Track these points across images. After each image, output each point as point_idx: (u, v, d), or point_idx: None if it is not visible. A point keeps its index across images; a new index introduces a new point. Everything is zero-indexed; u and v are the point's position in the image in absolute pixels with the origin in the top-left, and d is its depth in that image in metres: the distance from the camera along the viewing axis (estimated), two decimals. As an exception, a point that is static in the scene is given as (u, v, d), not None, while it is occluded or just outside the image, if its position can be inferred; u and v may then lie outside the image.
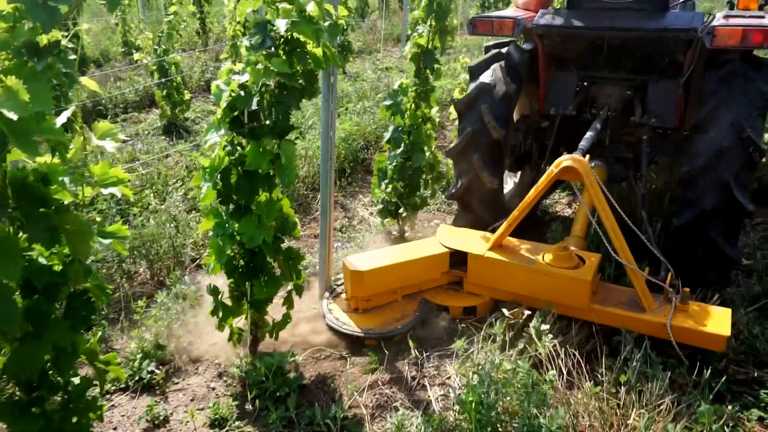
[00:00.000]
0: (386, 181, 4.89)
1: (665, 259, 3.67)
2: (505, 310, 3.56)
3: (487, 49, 4.82)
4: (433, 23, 4.41)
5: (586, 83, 4.72)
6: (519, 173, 5.45)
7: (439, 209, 5.83)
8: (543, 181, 3.62)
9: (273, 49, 2.87)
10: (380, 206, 5.00)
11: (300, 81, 3.08)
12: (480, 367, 3.23)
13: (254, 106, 2.86)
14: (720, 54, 4.00)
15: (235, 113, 2.94)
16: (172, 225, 4.54)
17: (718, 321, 3.33)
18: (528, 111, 5.15)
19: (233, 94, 2.88)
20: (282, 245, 3.28)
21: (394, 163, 4.80)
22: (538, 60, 4.68)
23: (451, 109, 6.02)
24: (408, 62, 4.58)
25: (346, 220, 5.63)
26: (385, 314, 3.83)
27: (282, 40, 2.91)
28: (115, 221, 4.54)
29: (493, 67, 4.48)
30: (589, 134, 4.07)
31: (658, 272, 3.73)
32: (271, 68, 2.77)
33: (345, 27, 3.05)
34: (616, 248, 3.48)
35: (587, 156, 3.75)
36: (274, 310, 3.46)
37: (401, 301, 3.95)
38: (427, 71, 4.52)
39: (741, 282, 4.47)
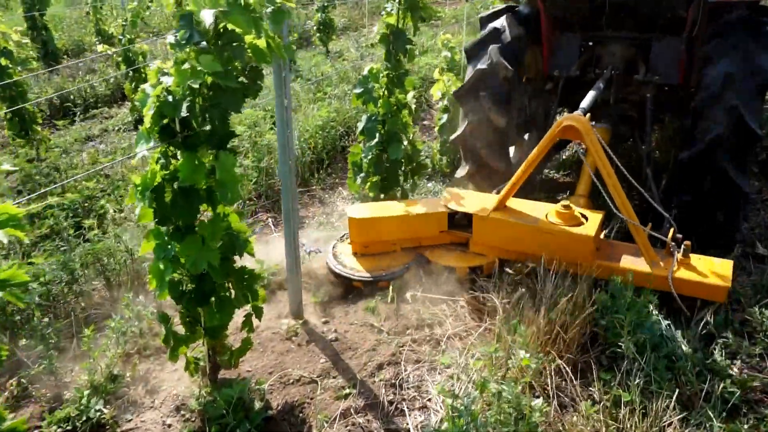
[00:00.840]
0: (362, 175, 4.49)
1: (669, 214, 3.69)
2: (507, 269, 3.67)
3: (482, 21, 4.75)
4: (403, 0, 3.96)
5: (589, 44, 4.66)
6: (526, 136, 5.29)
7: (424, 200, 5.44)
8: (544, 141, 3.64)
9: (203, 44, 2.46)
10: (358, 202, 4.61)
11: (241, 79, 2.67)
12: (464, 389, 2.91)
13: (184, 113, 2.45)
14: (723, 9, 3.97)
15: (165, 121, 2.54)
16: (128, 236, 4.15)
17: (719, 272, 3.37)
18: (533, 74, 5.01)
19: (160, 100, 2.48)
20: (235, 265, 2.91)
21: (369, 156, 4.40)
22: (540, 22, 4.62)
23: (434, 89, 5.57)
24: (377, 44, 4.13)
25: (324, 216, 5.25)
26: (379, 261, 4.03)
27: (213, 33, 2.49)
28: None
29: (489, 49, 4.39)
30: (591, 93, 4.01)
31: (663, 229, 3.71)
32: (199, 68, 2.36)
33: (290, 12, 2.64)
34: (618, 205, 3.50)
35: (588, 115, 3.67)
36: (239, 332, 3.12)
37: (399, 252, 4.11)
38: (399, 54, 4.08)
39: (752, 268, 4.11)
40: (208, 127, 2.60)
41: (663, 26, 4.33)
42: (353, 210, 4.13)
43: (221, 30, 2.51)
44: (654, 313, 3.27)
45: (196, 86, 2.39)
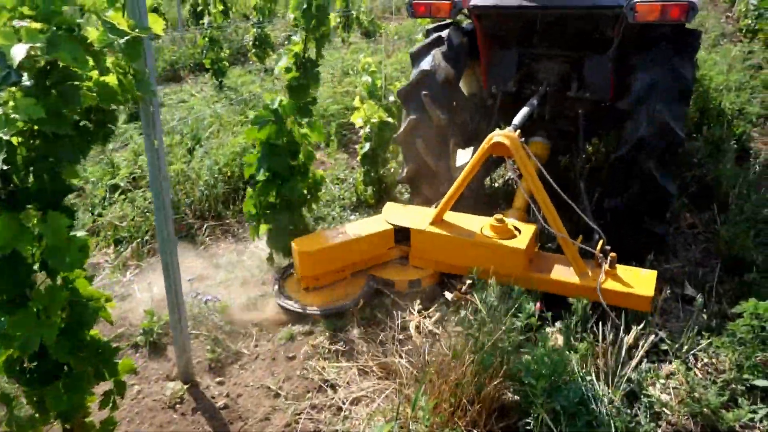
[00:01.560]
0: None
1: (599, 228, 3.79)
2: (447, 294, 3.74)
3: (428, 32, 4.87)
4: (310, 30, 3.62)
5: (525, 60, 4.78)
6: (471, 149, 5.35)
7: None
8: (476, 157, 3.75)
9: (27, 84, 2.04)
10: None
11: (84, 123, 2.26)
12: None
13: (2, 167, 2.03)
14: (649, 29, 4.15)
15: (-17, 174, 2.10)
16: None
17: (644, 283, 3.49)
18: (475, 89, 5.19)
19: (-26, 150, 2.04)
20: (85, 338, 2.47)
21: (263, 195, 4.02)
22: (477, 40, 4.71)
23: (354, 117, 5.24)
24: (283, 74, 3.76)
25: (235, 254, 4.82)
26: (334, 292, 4.00)
27: (37, 71, 2.07)
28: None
29: (432, 52, 4.52)
30: (524, 110, 4.10)
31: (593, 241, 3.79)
32: (12, 115, 1.94)
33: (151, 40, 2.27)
34: (548, 219, 3.62)
35: (518, 132, 3.74)
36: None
37: (349, 279, 4.09)
38: (312, 81, 3.73)
39: (681, 312, 3.88)
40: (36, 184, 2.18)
41: (593, 44, 4.42)
42: (299, 244, 4.00)
43: (49, 67, 2.09)
44: (575, 370, 2.99)
45: (7, 138, 1.96)
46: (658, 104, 3.80)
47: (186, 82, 10.87)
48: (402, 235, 4.12)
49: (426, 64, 4.48)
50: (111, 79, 2.29)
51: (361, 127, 5.17)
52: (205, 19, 9.76)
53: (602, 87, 4.46)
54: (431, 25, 4.98)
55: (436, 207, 4.09)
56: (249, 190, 4.15)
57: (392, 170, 5.43)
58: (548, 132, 4.64)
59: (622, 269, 3.61)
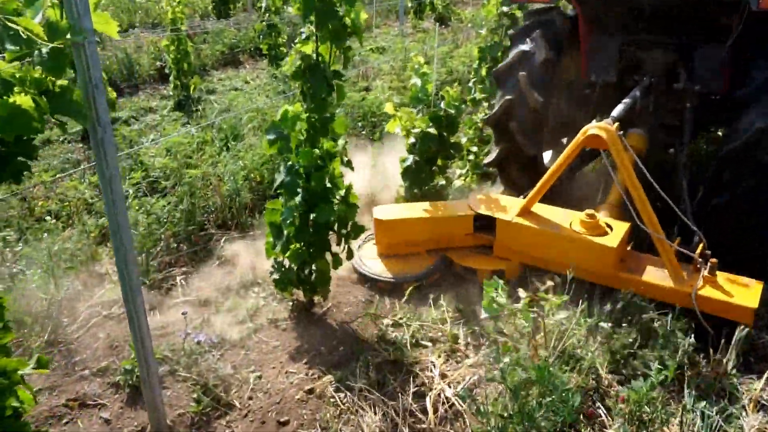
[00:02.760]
0: (282, 240, 3.53)
1: (701, 229, 3.52)
2: (521, 292, 3.24)
3: (529, 15, 4.74)
4: (318, 26, 2.96)
5: (629, 49, 4.52)
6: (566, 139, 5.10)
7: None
8: (570, 148, 3.59)
9: None
10: (276, 273, 3.65)
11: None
12: None
13: None
14: None
15: None
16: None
17: (747, 293, 3.23)
18: (573, 77, 4.89)
19: None
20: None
21: (290, 219, 3.43)
22: (578, 26, 4.53)
23: (389, 126, 4.59)
24: (291, 81, 3.15)
25: (251, 273, 4.28)
26: (407, 263, 4.09)
27: None
28: None
29: (532, 34, 4.38)
30: (625, 101, 3.95)
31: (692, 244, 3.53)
32: None
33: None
34: (643, 218, 3.42)
35: (617, 124, 3.52)
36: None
37: (423, 255, 4.14)
38: (322, 94, 3.08)
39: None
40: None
41: (706, 32, 4.15)
42: (380, 211, 4.18)
43: None
44: None
45: None
46: None
47: (244, 68, 10.49)
48: (485, 224, 4.04)
49: (525, 44, 4.36)
50: (25, 101, 1.74)
51: (404, 136, 4.49)
52: (263, 3, 9.26)
53: (715, 79, 4.19)
54: (533, 8, 4.85)
55: (524, 197, 3.98)
56: (268, 202, 3.61)
57: (438, 186, 4.74)
58: (649, 124, 4.39)
59: (723, 277, 3.36)
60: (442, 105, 4.45)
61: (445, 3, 14.50)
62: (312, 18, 2.86)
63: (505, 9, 5.07)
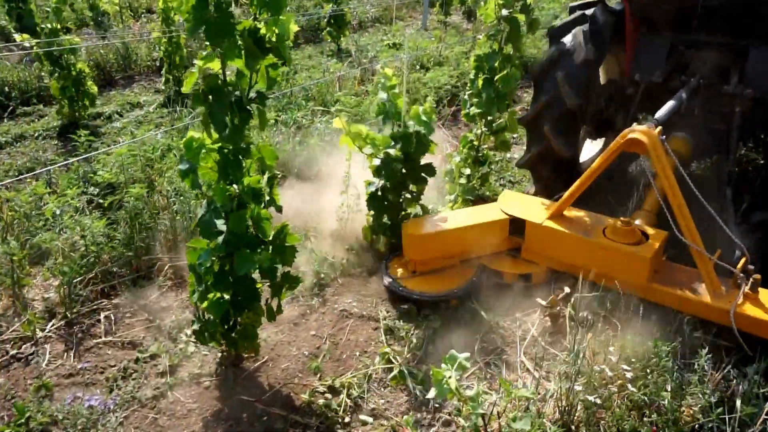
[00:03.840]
0: (201, 288, 2.99)
1: (744, 242, 3.34)
2: (540, 300, 3.47)
3: (572, 9, 4.56)
4: (212, 41, 2.37)
5: (678, 48, 4.36)
6: (603, 140, 4.94)
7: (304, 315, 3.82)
8: (608, 152, 3.45)
9: None
10: (196, 324, 3.12)
11: None
12: None
13: None
14: None
15: None
16: None
17: None
18: (615, 75, 4.73)
19: None
20: None
21: (208, 264, 2.89)
22: (625, 22, 4.37)
23: (342, 140, 4.00)
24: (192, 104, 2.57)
25: (173, 318, 3.73)
26: (442, 278, 3.84)
27: None
28: None
29: (574, 30, 4.24)
30: (669, 104, 3.80)
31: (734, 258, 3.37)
32: None
33: None
34: (682, 228, 3.28)
35: (659, 128, 3.38)
36: None
37: (459, 266, 3.92)
38: (227, 121, 2.51)
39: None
40: None
41: (763, 34, 3.98)
42: (410, 226, 3.92)
43: None
44: None
45: None
46: None
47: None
48: (515, 226, 3.90)
49: (566, 41, 4.21)
50: None
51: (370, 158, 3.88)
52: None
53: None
54: (576, 3, 4.64)
55: (556, 200, 3.84)
56: (191, 240, 3.07)
57: (412, 216, 4.15)
58: (694, 128, 4.20)
59: (765, 294, 3.19)
60: (411, 122, 3.84)
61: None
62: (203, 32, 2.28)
63: (505, 12, 4.38)
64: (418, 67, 7.96)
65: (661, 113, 3.65)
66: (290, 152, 5.41)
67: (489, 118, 4.80)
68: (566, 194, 3.71)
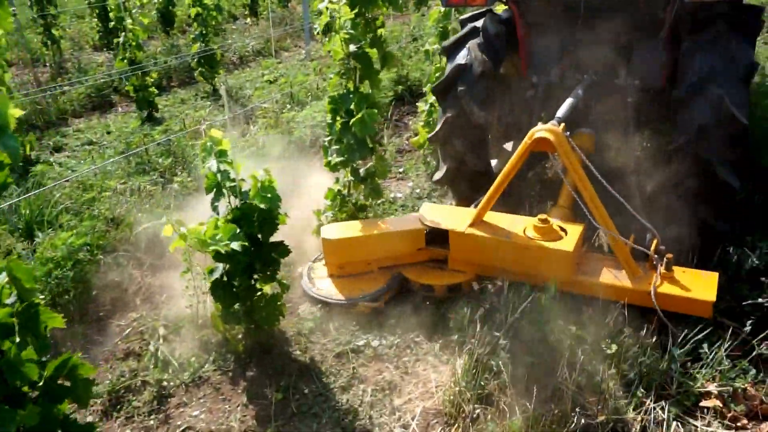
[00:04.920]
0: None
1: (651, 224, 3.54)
2: (475, 284, 3.75)
3: (462, 23, 4.65)
4: None
5: (568, 48, 4.52)
6: (511, 144, 5.06)
7: None
8: (517, 154, 3.57)
9: None
10: None
11: None
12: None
13: None
14: (703, 7, 3.80)
15: None
16: None
17: (704, 286, 3.28)
18: (514, 81, 4.86)
19: None
20: None
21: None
22: (516, 27, 4.50)
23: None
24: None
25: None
26: (359, 283, 3.96)
27: None
28: None
29: (468, 44, 4.32)
30: (568, 101, 3.95)
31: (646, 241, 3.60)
32: None
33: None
34: (596, 217, 3.41)
35: (563, 125, 3.49)
36: None
37: (376, 272, 4.04)
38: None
39: None
40: None
41: (642, 28, 4.17)
42: (327, 230, 4.04)
43: None
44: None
45: None
46: (717, 89, 3.46)
47: (116, 111, 9.07)
48: (432, 237, 3.97)
49: (461, 57, 4.27)
50: None
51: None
52: (121, 37, 7.87)
53: (653, 73, 4.19)
54: (465, 15, 4.74)
55: (475, 207, 3.91)
56: None
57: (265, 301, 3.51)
58: (595, 122, 4.35)
59: (679, 271, 3.41)
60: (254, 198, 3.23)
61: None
62: None
63: (353, 48, 3.87)
64: (289, 105, 7.36)
65: (562, 111, 3.75)
66: (135, 224, 4.66)
67: (354, 165, 4.27)
68: (483, 200, 3.77)
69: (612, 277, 3.45)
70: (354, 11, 3.78)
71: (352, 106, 4.02)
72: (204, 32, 9.04)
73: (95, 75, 9.51)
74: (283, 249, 3.34)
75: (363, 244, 3.95)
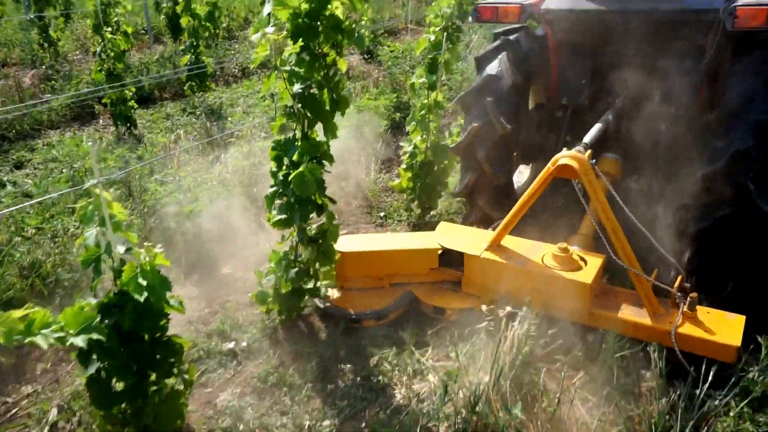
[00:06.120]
0: None
1: (681, 256, 3.48)
2: (483, 306, 3.40)
3: (496, 36, 4.56)
4: None
5: (601, 70, 4.39)
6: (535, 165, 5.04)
7: None
8: (540, 179, 3.46)
9: None
10: None
11: None
12: None
13: None
14: (747, 37, 3.65)
15: None
16: None
17: (729, 329, 3.14)
18: (543, 100, 4.84)
19: None
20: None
21: None
22: (549, 47, 4.48)
23: None
24: None
25: None
26: (368, 298, 3.94)
27: None
28: None
29: (499, 56, 4.26)
30: (596, 126, 3.87)
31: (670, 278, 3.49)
32: None
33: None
34: (617, 250, 3.30)
35: (589, 152, 3.39)
36: None
37: (387, 289, 4.00)
38: None
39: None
40: None
41: (680, 54, 4.07)
42: (339, 243, 3.84)
43: None
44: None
45: None
46: (756, 114, 3.35)
47: (97, 122, 8.52)
48: (454, 258, 3.88)
49: (492, 68, 4.25)
50: None
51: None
52: (99, 47, 7.31)
53: (690, 100, 4.09)
54: (500, 29, 4.67)
55: (493, 230, 3.83)
56: None
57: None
58: (623, 148, 4.25)
59: (703, 312, 3.26)
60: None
61: (372, 36, 12.60)
62: None
63: (298, 89, 3.17)
64: (263, 135, 6.69)
65: (589, 136, 3.68)
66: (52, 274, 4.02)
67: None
68: (502, 223, 3.69)
69: (631, 313, 3.32)
70: (299, 44, 3.07)
71: (294, 157, 3.33)
72: (195, 44, 8.45)
73: (78, 84, 8.96)
74: (171, 349, 2.63)
75: (373, 260, 3.93)
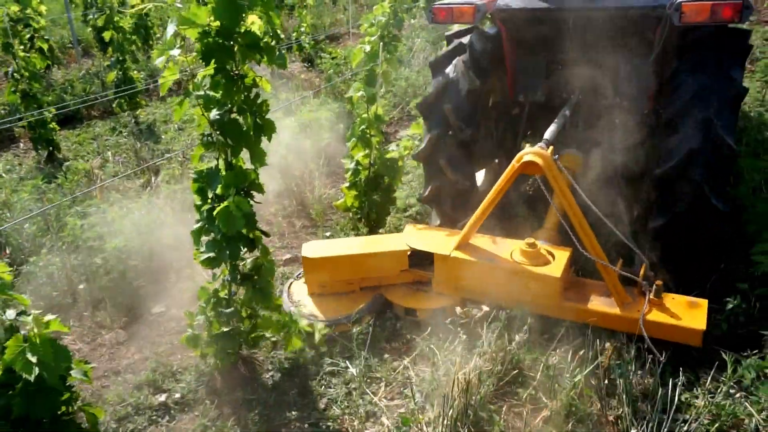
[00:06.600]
0: None
1: (643, 249, 3.53)
2: (457, 308, 3.56)
3: (449, 39, 4.57)
4: None
5: (555, 67, 4.49)
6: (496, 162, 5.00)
7: None
8: (504, 177, 3.52)
9: None
10: None
11: None
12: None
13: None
14: (695, 32, 3.75)
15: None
16: None
17: (694, 314, 3.23)
18: (500, 98, 4.78)
19: None
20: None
21: None
22: (503, 45, 4.47)
23: None
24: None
25: None
26: (340, 302, 3.92)
27: None
28: None
29: (454, 61, 4.22)
30: (555, 123, 3.93)
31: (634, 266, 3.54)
32: None
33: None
34: (584, 243, 3.35)
35: (551, 148, 3.47)
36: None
37: (357, 293, 4.00)
38: None
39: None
40: None
41: (630, 49, 4.15)
42: (308, 248, 3.99)
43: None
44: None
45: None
46: (707, 113, 3.40)
47: (17, 147, 7.89)
48: (422, 259, 3.87)
49: (448, 73, 4.20)
50: None
51: None
52: (10, 67, 6.73)
53: (640, 95, 4.17)
54: (451, 31, 4.62)
55: (461, 229, 3.82)
56: None
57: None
58: (582, 143, 4.29)
59: (669, 298, 3.34)
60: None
61: (313, 42, 12.21)
62: None
63: (215, 115, 2.84)
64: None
65: (549, 133, 3.73)
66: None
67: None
68: (470, 222, 3.70)
69: (600, 303, 3.39)
70: (212, 66, 2.74)
71: (218, 190, 2.99)
72: (121, 59, 7.94)
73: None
74: (77, 428, 2.26)
75: (343, 264, 3.91)
